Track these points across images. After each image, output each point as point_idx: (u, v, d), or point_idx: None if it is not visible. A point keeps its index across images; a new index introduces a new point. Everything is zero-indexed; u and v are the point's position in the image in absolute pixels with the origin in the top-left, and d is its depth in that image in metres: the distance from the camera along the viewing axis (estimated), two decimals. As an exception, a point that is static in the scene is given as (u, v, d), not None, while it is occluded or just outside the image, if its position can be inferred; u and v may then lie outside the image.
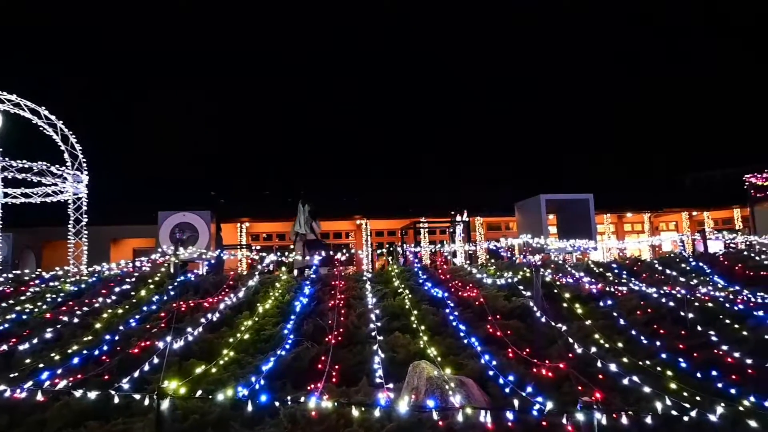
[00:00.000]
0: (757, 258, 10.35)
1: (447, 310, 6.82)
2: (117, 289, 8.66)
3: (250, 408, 3.99)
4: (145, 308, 7.55)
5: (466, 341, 5.90)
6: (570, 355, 5.18)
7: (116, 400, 4.30)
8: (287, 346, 5.87)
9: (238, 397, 4.07)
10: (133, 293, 8.52)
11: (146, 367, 5.26)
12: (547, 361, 5.00)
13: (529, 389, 4.08)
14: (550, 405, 3.44)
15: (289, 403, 3.92)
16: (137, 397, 4.33)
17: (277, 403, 3.89)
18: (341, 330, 6.42)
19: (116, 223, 22.61)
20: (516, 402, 3.64)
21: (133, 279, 9.30)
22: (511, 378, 4.39)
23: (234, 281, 8.89)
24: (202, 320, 6.65)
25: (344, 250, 9.80)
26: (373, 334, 6.06)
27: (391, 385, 4.72)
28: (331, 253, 9.93)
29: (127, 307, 7.75)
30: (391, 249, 12.83)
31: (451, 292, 7.98)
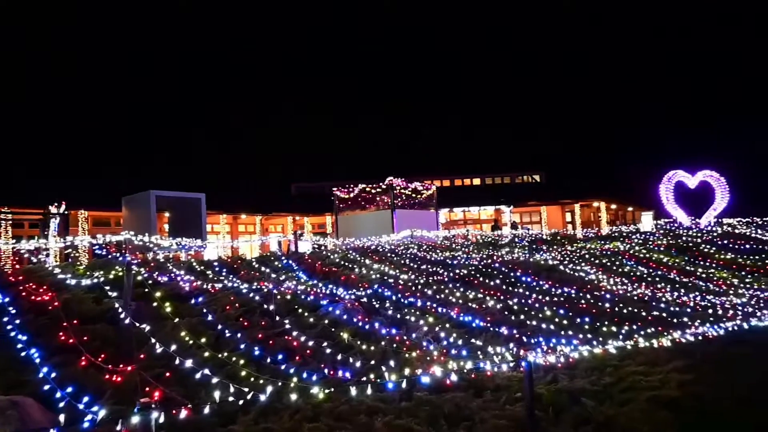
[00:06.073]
0: (332, 256, 12.53)
1: (6, 319, 5.67)
2: None
3: None
4: None
5: (27, 354, 5.02)
6: (142, 356, 5.03)
7: None
8: None
9: None
10: None
11: None
12: (120, 365, 4.70)
13: (86, 399, 3.72)
14: (102, 413, 3.20)
15: None
16: None
17: None
18: None
19: None
20: (62, 417, 3.24)
21: None
22: (69, 390, 3.91)
23: None
24: None
25: None
26: None
27: None
28: None
29: None
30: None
31: (21, 296, 6.70)
